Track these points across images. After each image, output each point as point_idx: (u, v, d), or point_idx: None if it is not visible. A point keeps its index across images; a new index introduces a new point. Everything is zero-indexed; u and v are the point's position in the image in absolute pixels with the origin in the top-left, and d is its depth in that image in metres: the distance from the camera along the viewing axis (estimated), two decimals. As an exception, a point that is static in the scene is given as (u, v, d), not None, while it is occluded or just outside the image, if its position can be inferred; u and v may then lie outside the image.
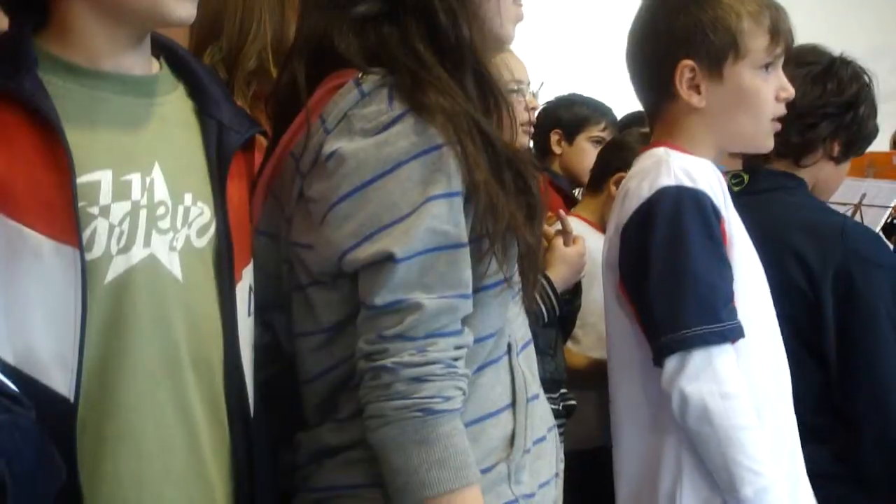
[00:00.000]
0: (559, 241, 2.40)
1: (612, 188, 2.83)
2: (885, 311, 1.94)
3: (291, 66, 1.40)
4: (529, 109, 2.62)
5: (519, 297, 1.43)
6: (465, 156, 1.29)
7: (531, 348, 1.47)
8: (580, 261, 2.40)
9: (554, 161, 3.35)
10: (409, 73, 1.31)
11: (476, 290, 1.32)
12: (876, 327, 1.93)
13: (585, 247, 2.47)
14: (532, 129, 2.70)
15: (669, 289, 1.63)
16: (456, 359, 1.27)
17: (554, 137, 3.34)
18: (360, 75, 1.32)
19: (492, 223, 1.31)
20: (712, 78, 1.74)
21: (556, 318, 2.40)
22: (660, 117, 1.80)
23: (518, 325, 1.43)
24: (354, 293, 1.30)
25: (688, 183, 1.67)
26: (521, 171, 1.36)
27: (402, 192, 1.27)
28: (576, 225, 2.73)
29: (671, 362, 1.61)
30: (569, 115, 3.36)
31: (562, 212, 2.54)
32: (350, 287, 1.31)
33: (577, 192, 3.57)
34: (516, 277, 1.38)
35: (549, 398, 2.39)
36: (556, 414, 2.43)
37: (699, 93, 1.74)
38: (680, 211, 1.64)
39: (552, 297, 2.35)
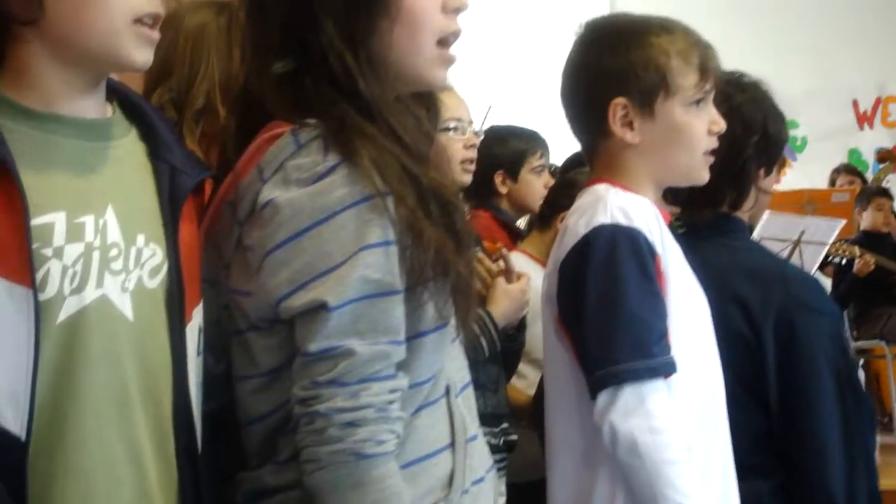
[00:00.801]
0: (502, 277, 2.45)
1: (560, 226, 2.87)
2: (825, 357, 1.99)
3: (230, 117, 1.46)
4: (469, 147, 2.66)
5: (459, 339, 1.47)
6: (396, 200, 1.33)
7: (470, 390, 1.50)
8: (523, 297, 2.45)
9: (501, 199, 3.33)
10: (336, 124, 1.36)
11: (414, 336, 1.37)
12: (816, 373, 1.98)
13: (530, 283, 2.51)
14: (472, 167, 2.72)
15: (603, 324, 1.68)
16: (389, 402, 1.31)
17: (498, 179, 3.30)
18: (296, 126, 1.36)
19: (429, 267, 1.35)
20: (644, 115, 1.79)
21: (497, 353, 2.43)
22: (597, 155, 1.85)
23: (457, 367, 1.47)
24: (291, 339, 1.34)
25: (623, 221, 1.72)
26: (447, 206, 1.40)
27: (336, 242, 1.31)
28: (521, 261, 2.78)
29: (603, 396, 1.65)
30: (506, 152, 3.31)
31: (504, 250, 2.59)
32: (287, 333, 1.34)
33: (521, 221, 3.61)
34: (453, 319, 1.42)
35: (490, 433, 2.46)
36: (497, 449, 2.48)
37: (633, 129, 1.79)
38: (614, 248, 1.69)
39: (493, 333, 2.39)
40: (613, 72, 1.78)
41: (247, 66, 1.46)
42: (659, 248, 1.73)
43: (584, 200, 1.81)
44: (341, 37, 1.39)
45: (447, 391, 1.43)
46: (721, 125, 1.84)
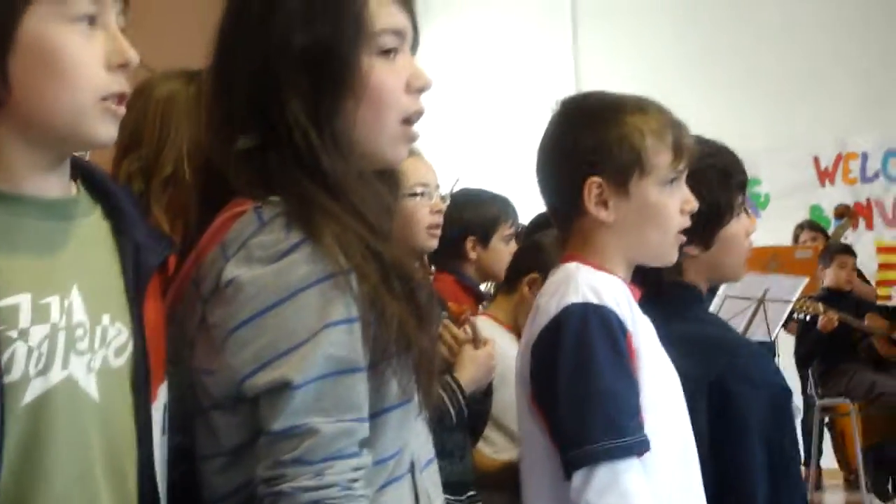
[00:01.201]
0: (469, 344, 2.45)
1: (525, 289, 2.89)
2: (758, 428, 2.01)
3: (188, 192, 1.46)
4: (436, 212, 2.67)
5: (422, 415, 1.47)
6: (359, 277, 1.34)
7: (435, 465, 1.51)
8: (489, 363, 2.46)
9: (467, 265, 3.31)
10: (299, 201, 1.37)
11: (377, 413, 1.37)
12: (746, 444, 2.00)
13: (496, 348, 2.52)
14: (439, 232, 2.74)
15: (576, 404, 1.69)
16: (354, 480, 1.31)
17: (468, 244, 3.28)
18: (259, 204, 1.37)
19: (393, 343, 1.35)
20: (619, 194, 1.81)
21: (464, 420, 2.44)
22: (571, 231, 1.87)
23: (421, 443, 1.47)
24: (254, 417, 1.34)
25: (593, 299, 1.73)
26: (409, 281, 1.41)
27: (299, 320, 1.31)
28: (487, 325, 2.79)
29: (578, 476, 1.66)
30: (479, 218, 3.29)
31: (471, 317, 2.60)
32: (250, 411, 1.34)
33: (486, 286, 3.61)
34: (417, 395, 1.42)
35: (456, 500, 2.45)
36: (464, 516, 2.48)
37: (607, 208, 1.80)
38: (586, 327, 1.71)
39: (460, 400, 2.39)
40: (589, 150, 1.80)
41: (210, 139, 1.47)
42: (630, 326, 1.75)
43: (555, 279, 1.83)
44: (307, 114, 1.40)
45: (412, 467, 1.43)
46: (693, 204, 1.86)
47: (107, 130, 1.31)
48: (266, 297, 1.32)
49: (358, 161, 1.44)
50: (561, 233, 1.91)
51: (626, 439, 1.67)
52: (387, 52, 1.44)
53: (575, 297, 1.74)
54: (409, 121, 1.47)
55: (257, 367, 1.32)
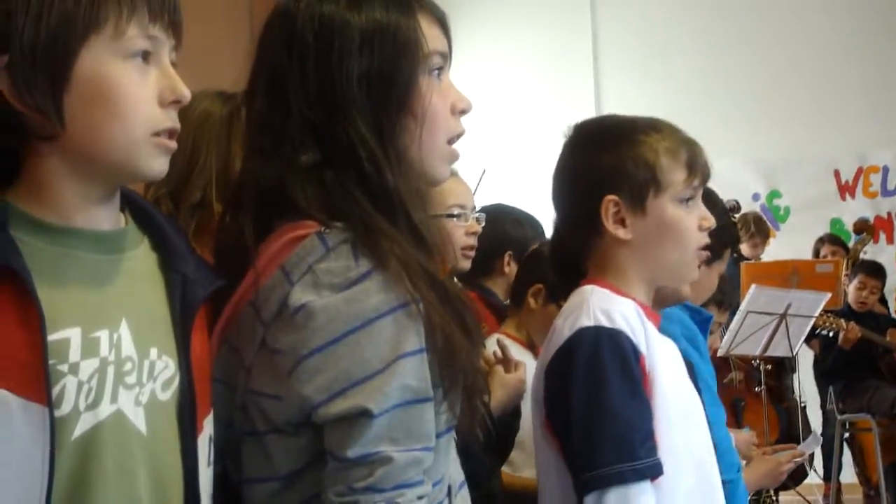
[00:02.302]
0: (499, 367, 2.46)
1: (531, 301, 2.89)
2: None
3: (238, 214, 1.46)
4: (471, 234, 2.68)
5: (453, 438, 1.49)
6: (426, 305, 1.36)
7: (466, 489, 1.53)
8: (521, 387, 2.45)
9: (496, 280, 3.31)
10: (363, 227, 1.38)
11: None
12: None
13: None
14: (472, 254, 2.75)
15: (588, 427, 1.70)
16: None
17: (505, 258, 3.28)
18: (323, 229, 1.38)
19: (449, 365, 1.37)
20: (636, 212, 1.82)
21: (493, 443, 2.44)
22: (590, 254, 1.88)
23: (455, 467, 1.50)
24: (314, 443, 1.36)
25: (606, 323, 1.74)
26: (460, 305, 1.43)
27: (373, 349, 1.33)
28: (507, 343, 2.79)
29: (590, 500, 1.68)
30: (518, 235, 3.32)
31: (502, 339, 2.60)
32: (312, 437, 1.36)
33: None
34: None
35: (483, 523, 2.45)
36: (492, 537, 2.48)
37: (625, 226, 1.82)
38: (598, 351, 1.72)
39: (489, 423, 2.39)
40: (605, 170, 1.82)
41: (265, 159, 1.46)
42: (643, 348, 1.75)
43: (571, 302, 1.84)
44: (371, 133, 1.43)
45: (449, 491, 1.45)
46: (711, 221, 1.87)
47: (158, 164, 1.32)
48: (339, 326, 1.33)
49: (401, 184, 1.46)
50: (582, 258, 1.90)
51: (638, 463, 1.67)
52: (436, 71, 1.49)
53: (587, 321, 1.75)
54: (451, 141, 1.52)
55: (331, 395, 1.33)
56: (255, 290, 1.39)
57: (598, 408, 1.69)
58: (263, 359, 1.38)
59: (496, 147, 7.83)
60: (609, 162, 1.82)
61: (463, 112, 1.53)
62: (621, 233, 1.81)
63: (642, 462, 1.68)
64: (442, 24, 1.52)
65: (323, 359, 1.33)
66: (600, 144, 1.85)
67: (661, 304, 1.95)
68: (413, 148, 1.46)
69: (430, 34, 1.49)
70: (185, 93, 1.31)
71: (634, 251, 1.83)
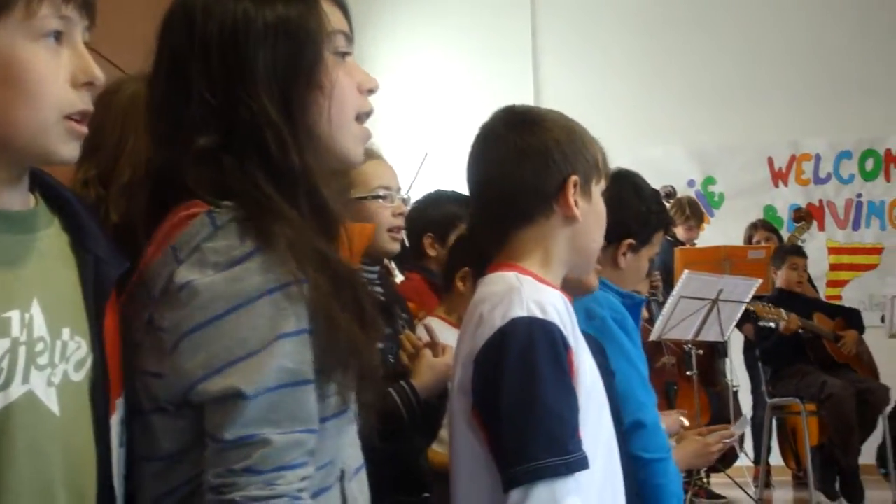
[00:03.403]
0: (427, 350, 2.47)
1: (459, 284, 2.91)
2: None
3: (138, 196, 1.48)
4: (397, 215, 2.68)
5: (354, 422, 1.50)
6: (311, 287, 1.36)
7: (363, 473, 1.53)
8: (447, 371, 2.46)
9: (431, 261, 3.33)
10: (255, 206, 1.39)
11: (320, 421, 1.39)
12: None
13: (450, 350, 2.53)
14: (401, 235, 2.75)
15: (519, 420, 1.68)
16: (301, 490, 1.34)
17: (427, 241, 3.32)
18: (213, 208, 1.38)
19: (334, 348, 1.38)
20: (584, 196, 1.84)
21: (419, 425, 2.45)
22: (514, 239, 1.84)
23: (352, 451, 1.50)
24: (196, 423, 1.35)
25: (539, 314, 1.72)
26: (358, 290, 1.44)
27: (252, 329, 1.33)
28: (437, 325, 2.81)
29: (516, 494, 1.66)
30: (439, 216, 3.33)
31: (429, 323, 2.61)
32: (193, 417, 1.36)
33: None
34: (353, 404, 1.45)
35: (409, 502, 2.46)
36: (419, 519, 2.50)
37: (578, 207, 1.83)
38: (532, 343, 1.70)
39: (415, 406, 2.41)
40: (568, 150, 1.83)
41: (163, 142, 1.47)
42: (571, 342, 1.75)
43: (494, 289, 1.80)
44: (278, 111, 1.43)
45: (342, 475, 1.46)
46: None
47: (69, 149, 1.31)
48: (220, 304, 1.33)
49: (323, 158, 1.48)
50: (496, 243, 1.88)
51: (568, 457, 1.66)
52: (339, 55, 1.51)
53: (521, 311, 1.72)
54: (360, 119, 1.53)
55: (209, 373, 1.33)
56: (146, 269, 1.40)
57: (530, 401, 1.68)
58: (150, 337, 1.38)
59: (438, 135, 7.83)
60: (569, 141, 1.83)
61: (370, 91, 1.54)
62: (577, 213, 1.82)
63: (572, 456, 1.67)
64: (342, 8, 1.54)
65: (203, 336, 1.33)
66: (555, 123, 1.85)
67: (571, 293, 1.96)
68: (322, 123, 1.47)
69: (334, 16, 1.51)
70: (98, 74, 1.30)
71: (574, 235, 1.84)
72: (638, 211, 2.57)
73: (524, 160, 1.83)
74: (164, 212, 1.43)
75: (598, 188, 1.87)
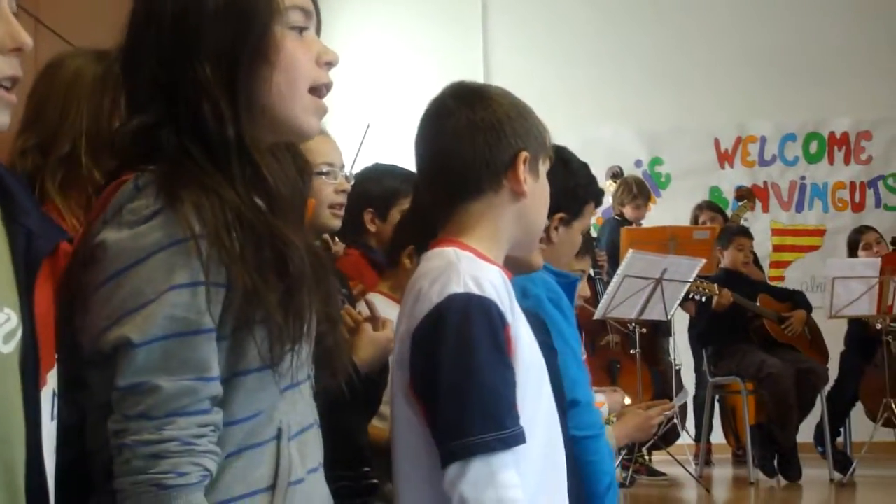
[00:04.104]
0: (367, 324, 2.47)
1: (406, 262, 2.91)
2: None
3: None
4: (340, 191, 2.68)
5: (303, 385, 1.53)
6: (216, 246, 1.40)
7: (311, 433, 1.55)
8: (388, 345, 2.47)
9: (371, 237, 3.32)
10: (173, 169, 1.44)
11: (233, 375, 1.44)
12: None
13: (392, 325, 2.54)
14: (342, 211, 2.75)
15: (456, 396, 1.69)
16: (197, 436, 1.38)
17: (367, 216, 3.29)
18: (139, 172, 1.44)
19: (247, 309, 1.42)
20: (533, 172, 1.85)
21: (360, 399, 2.45)
22: (461, 212, 1.85)
23: (297, 411, 1.52)
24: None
25: (476, 290, 1.73)
26: (283, 255, 1.46)
27: (148, 281, 1.39)
28: (380, 301, 2.81)
29: (453, 467, 1.67)
30: (379, 191, 3.30)
31: (369, 297, 2.61)
32: (110, 367, 1.40)
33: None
34: (288, 363, 1.47)
35: (349, 477, 2.47)
36: (358, 492, 2.50)
37: (526, 183, 1.84)
38: (468, 318, 1.71)
39: (356, 380, 2.41)
40: (519, 126, 1.84)
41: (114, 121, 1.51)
42: (509, 317, 1.75)
43: (433, 264, 1.80)
44: (219, 82, 1.47)
45: (279, 433, 1.48)
46: None
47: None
48: (124, 259, 1.40)
49: (270, 130, 1.52)
50: (441, 219, 1.88)
51: (504, 433, 1.68)
52: (296, 29, 1.53)
53: (458, 287, 1.73)
54: (318, 92, 1.55)
55: (110, 323, 1.39)
56: (83, 238, 1.46)
57: (466, 376, 1.69)
58: (79, 296, 1.43)
59: (387, 114, 7.81)
60: (519, 117, 1.84)
61: (329, 64, 1.56)
62: (525, 188, 1.83)
63: (508, 431, 1.68)
64: None
65: (109, 290, 1.40)
66: (506, 99, 1.86)
67: (515, 272, 1.97)
68: (272, 97, 1.50)
69: None
70: (27, 40, 1.29)
71: (520, 211, 1.85)
72: (566, 184, 2.57)
73: (476, 133, 1.83)
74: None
75: (544, 167, 1.88)
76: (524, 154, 1.83)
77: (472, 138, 1.83)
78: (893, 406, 6.77)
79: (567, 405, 2.42)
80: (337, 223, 2.71)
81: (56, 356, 1.39)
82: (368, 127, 3.13)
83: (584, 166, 2.69)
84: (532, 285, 2.48)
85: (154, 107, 1.48)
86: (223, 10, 1.49)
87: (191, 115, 1.47)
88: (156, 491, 1.35)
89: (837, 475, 6.85)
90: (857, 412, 7.31)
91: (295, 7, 1.54)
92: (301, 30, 1.54)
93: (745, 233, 7.40)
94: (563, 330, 2.53)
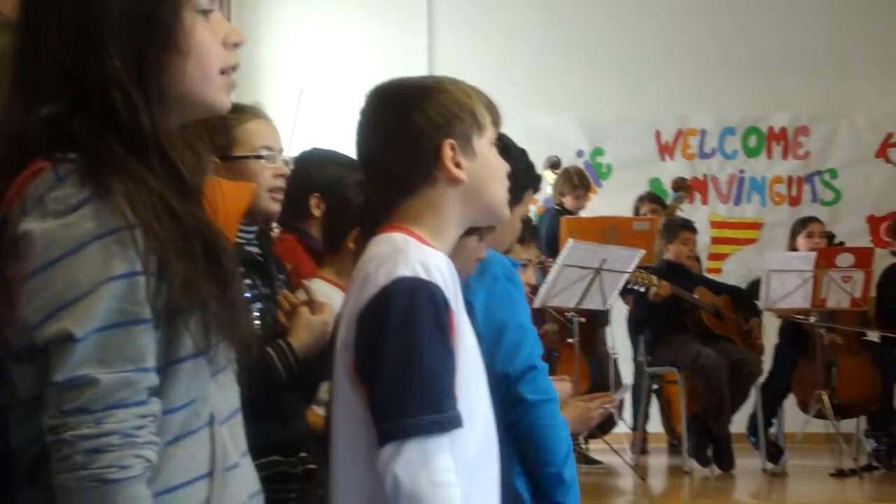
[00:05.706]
0: (304, 308, 2.47)
1: (352, 245, 2.89)
2: None
3: None
4: (278, 176, 2.67)
5: (228, 370, 1.53)
6: (150, 235, 1.40)
7: (237, 418, 1.56)
8: (324, 329, 2.46)
9: (311, 222, 3.29)
10: (97, 157, 1.42)
11: (169, 363, 1.43)
12: None
13: (332, 310, 2.53)
14: (281, 196, 2.73)
15: (397, 377, 1.71)
16: (137, 428, 1.36)
17: (313, 201, 3.26)
18: (57, 160, 1.41)
19: (181, 298, 1.42)
20: (467, 154, 1.86)
21: (296, 383, 2.45)
22: (403, 207, 1.88)
23: (225, 396, 1.52)
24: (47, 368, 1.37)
25: (423, 275, 1.75)
26: (210, 242, 1.47)
27: (84, 272, 1.37)
28: (321, 286, 2.80)
29: (388, 448, 1.69)
30: (324, 177, 3.26)
31: (305, 282, 2.60)
32: (44, 361, 1.38)
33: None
34: (222, 351, 1.48)
35: (287, 462, 2.47)
36: (296, 477, 2.50)
37: (461, 169, 1.85)
38: (414, 302, 1.73)
39: (293, 363, 2.41)
40: (439, 117, 1.85)
41: (10, 105, 1.48)
42: (453, 304, 1.78)
43: (381, 249, 1.83)
44: (129, 73, 1.45)
45: (211, 419, 1.48)
46: (506, 167, 1.95)
47: None
48: (54, 250, 1.37)
49: (182, 112, 1.51)
50: (386, 210, 1.91)
51: (441, 415, 1.70)
52: (202, 12, 1.53)
53: (405, 271, 1.75)
54: (226, 72, 1.55)
55: (44, 316, 1.36)
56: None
57: (408, 358, 1.71)
58: (1, 289, 1.41)
59: (330, 105, 7.77)
60: (438, 110, 1.85)
61: (236, 45, 1.56)
62: (461, 174, 1.84)
63: (445, 414, 1.70)
64: None
65: (40, 282, 1.37)
66: (420, 98, 1.88)
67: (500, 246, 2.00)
68: (184, 83, 1.49)
69: None
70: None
71: (465, 194, 1.86)
72: None
73: (394, 141, 1.88)
74: (20, 170, 1.44)
75: (483, 140, 1.89)
76: (448, 143, 1.84)
77: (392, 146, 1.88)
78: (824, 398, 6.88)
79: (526, 370, 2.49)
80: (276, 207, 2.69)
81: None
82: (302, 91, 3.09)
83: (523, 153, 2.71)
84: (488, 264, 2.51)
85: (62, 95, 1.45)
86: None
87: (102, 105, 1.45)
88: (100, 486, 1.33)
89: (770, 465, 6.95)
90: (790, 403, 7.42)
91: None
92: (206, 12, 1.53)
93: (690, 227, 7.47)
94: (517, 301, 2.57)
